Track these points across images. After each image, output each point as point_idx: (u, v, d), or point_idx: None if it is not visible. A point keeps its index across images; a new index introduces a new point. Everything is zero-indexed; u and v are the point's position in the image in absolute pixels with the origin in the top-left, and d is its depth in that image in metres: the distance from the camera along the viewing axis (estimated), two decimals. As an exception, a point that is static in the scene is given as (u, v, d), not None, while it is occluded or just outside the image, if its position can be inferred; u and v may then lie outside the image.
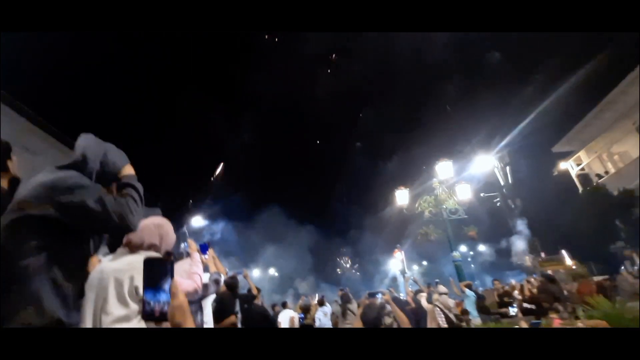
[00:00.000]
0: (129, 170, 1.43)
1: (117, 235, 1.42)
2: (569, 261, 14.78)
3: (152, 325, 1.39)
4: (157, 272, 0.99)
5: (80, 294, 1.29)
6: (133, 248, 1.56)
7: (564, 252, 15.80)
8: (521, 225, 19.84)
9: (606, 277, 9.58)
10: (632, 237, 13.54)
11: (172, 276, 0.99)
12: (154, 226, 1.68)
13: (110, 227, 1.25)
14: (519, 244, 19.65)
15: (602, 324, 3.28)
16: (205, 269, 3.00)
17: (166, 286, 0.97)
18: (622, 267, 10.23)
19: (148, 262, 1.01)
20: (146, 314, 0.96)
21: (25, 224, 1.14)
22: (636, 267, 8.51)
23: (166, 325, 0.95)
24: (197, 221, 21.03)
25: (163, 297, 0.96)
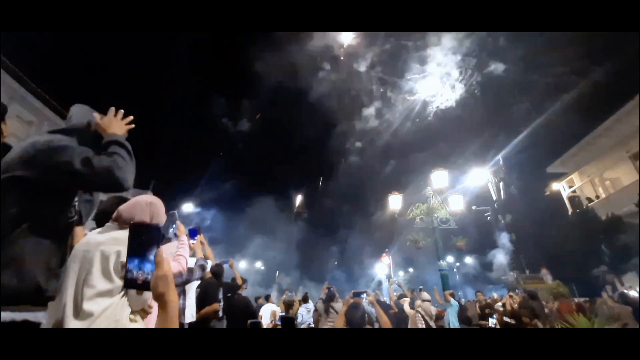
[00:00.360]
0: (115, 130, 1.42)
1: (110, 192, 1.40)
2: (549, 280, 14.99)
3: (133, 292, 1.38)
4: (143, 239, 0.94)
5: (62, 261, 1.27)
6: (122, 224, 1.53)
7: (544, 271, 16.04)
8: (508, 241, 20.09)
9: (587, 299, 9.73)
10: (615, 262, 13.80)
11: (158, 245, 0.95)
12: (145, 204, 1.65)
13: (99, 184, 1.24)
14: (504, 260, 19.91)
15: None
16: (192, 254, 2.98)
17: (151, 255, 0.93)
18: (603, 291, 10.41)
19: (134, 228, 0.97)
20: (128, 282, 0.93)
21: (10, 185, 1.12)
22: (617, 293, 8.65)
23: (148, 294, 0.92)
24: (188, 207, 20.89)
25: (147, 265, 0.93)
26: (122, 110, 1.51)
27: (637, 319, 5.72)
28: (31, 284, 1.09)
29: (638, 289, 10.97)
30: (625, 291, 8.22)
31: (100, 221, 1.77)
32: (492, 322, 6.75)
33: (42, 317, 1.24)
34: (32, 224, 1.12)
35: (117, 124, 1.45)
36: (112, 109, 1.47)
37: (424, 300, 5.92)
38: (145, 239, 0.95)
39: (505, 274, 19.05)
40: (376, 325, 3.26)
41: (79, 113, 1.41)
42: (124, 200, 1.90)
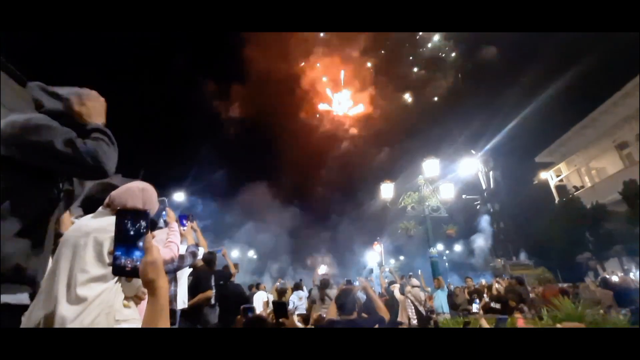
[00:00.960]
0: (97, 118, 1.39)
1: (92, 178, 1.36)
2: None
3: (123, 280, 1.36)
4: (131, 224, 0.92)
5: (42, 242, 1.25)
6: (115, 209, 1.51)
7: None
8: (497, 228, 20.52)
9: (570, 284, 10.06)
10: (598, 249, 14.24)
11: (147, 231, 0.92)
12: (138, 190, 1.64)
13: (81, 167, 1.20)
14: (493, 247, 20.37)
15: (579, 325, 3.43)
16: (182, 241, 2.96)
17: (140, 241, 0.91)
18: (586, 277, 10.77)
19: (121, 214, 0.94)
20: (116, 269, 0.91)
21: None
22: (599, 278, 8.96)
23: (137, 280, 0.90)
24: (178, 195, 20.68)
25: (136, 252, 0.91)
26: (103, 99, 1.46)
27: (617, 303, 5.94)
28: (10, 263, 1.07)
29: (619, 275, 11.38)
30: (607, 276, 8.51)
31: (87, 207, 1.73)
32: (475, 307, 6.94)
33: (25, 299, 1.22)
34: (12, 203, 1.09)
35: (98, 112, 1.40)
36: (93, 95, 1.42)
37: (413, 287, 6.03)
38: (133, 224, 0.92)
39: (492, 260, 19.50)
40: (364, 315, 3.31)
41: (60, 91, 1.37)
42: (112, 186, 1.87)
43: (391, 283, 7.60)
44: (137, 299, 1.53)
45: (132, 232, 0.92)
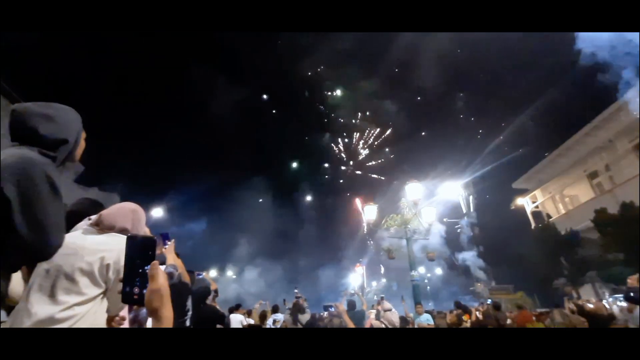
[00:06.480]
0: None
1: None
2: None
3: (130, 307, 1.33)
4: (140, 251, 0.92)
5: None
6: (103, 229, 1.50)
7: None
8: (477, 253, 20.85)
9: (547, 309, 10.22)
10: (573, 275, 14.61)
11: (154, 257, 0.92)
12: (129, 210, 1.63)
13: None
14: (473, 271, 20.61)
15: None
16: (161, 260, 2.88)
17: (147, 268, 0.91)
18: (565, 301, 10.98)
19: (131, 240, 0.94)
20: (125, 296, 0.90)
21: None
22: (571, 303, 9.13)
23: (142, 310, 0.88)
24: (157, 212, 20.08)
25: (143, 279, 0.90)
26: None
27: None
28: None
29: (593, 301, 11.64)
30: (580, 303, 8.70)
31: (70, 222, 1.68)
32: None
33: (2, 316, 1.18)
34: None
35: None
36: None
37: (385, 310, 5.95)
38: (142, 251, 0.92)
39: (473, 285, 19.68)
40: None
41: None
42: (96, 202, 1.83)
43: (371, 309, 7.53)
44: (114, 324, 1.49)
45: (140, 260, 0.92)
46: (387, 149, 43.42)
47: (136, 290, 0.90)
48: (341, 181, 45.35)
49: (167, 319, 0.87)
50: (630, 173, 13.88)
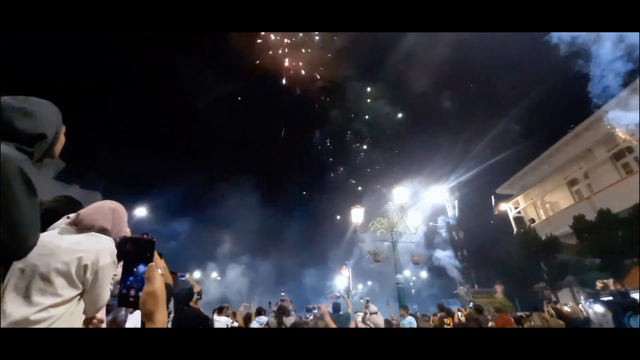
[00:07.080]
0: None
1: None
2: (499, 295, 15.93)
3: (124, 309, 1.28)
4: (138, 253, 0.91)
5: None
6: (82, 229, 1.44)
7: (497, 287, 17.08)
8: (461, 256, 21.20)
9: (527, 313, 10.46)
10: (552, 279, 15.02)
11: (151, 260, 0.90)
12: (108, 209, 1.57)
13: None
14: (457, 274, 20.94)
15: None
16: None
17: (143, 270, 0.89)
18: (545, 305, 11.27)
19: (129, 242, 0.93)
20: (121, 299, 0.89)
21: None
22: (550, 306, 9.40)
23: (121, 311, 0.87)
24: (140, 211, 19.68)
25: (139, 281, 0.89)
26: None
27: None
28: None
29: (570, 305, 11.99)
30: (559, 307, 8.95)
31: (46, 220, 1.62)
32: None
33: None
34: None
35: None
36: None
37: (371, 313, 5.99)
38: (139, 253, 0.91)
39: (457, 288, 19.98)
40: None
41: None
42: (73, 200, 1.76)
43: (356, 312, 7.55)
44: (87, 325, 1.44)
45: (137, 262, 0.90)
46: (376, 150, 43.87)
47: (132, 292, 0.88)
48: (328, 182, 45.65)
49: (161, 323, 0.85)
50: (608, 181, 14.46)
